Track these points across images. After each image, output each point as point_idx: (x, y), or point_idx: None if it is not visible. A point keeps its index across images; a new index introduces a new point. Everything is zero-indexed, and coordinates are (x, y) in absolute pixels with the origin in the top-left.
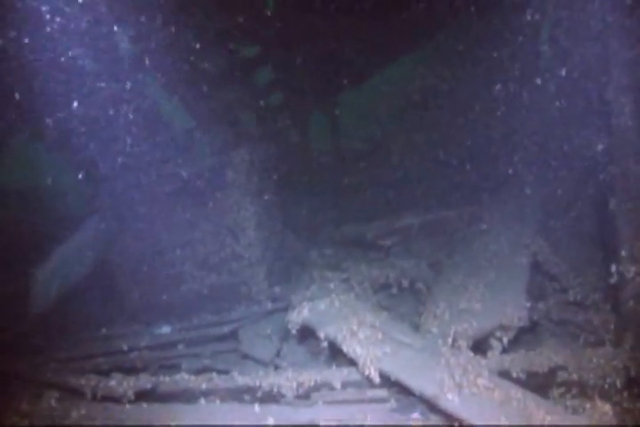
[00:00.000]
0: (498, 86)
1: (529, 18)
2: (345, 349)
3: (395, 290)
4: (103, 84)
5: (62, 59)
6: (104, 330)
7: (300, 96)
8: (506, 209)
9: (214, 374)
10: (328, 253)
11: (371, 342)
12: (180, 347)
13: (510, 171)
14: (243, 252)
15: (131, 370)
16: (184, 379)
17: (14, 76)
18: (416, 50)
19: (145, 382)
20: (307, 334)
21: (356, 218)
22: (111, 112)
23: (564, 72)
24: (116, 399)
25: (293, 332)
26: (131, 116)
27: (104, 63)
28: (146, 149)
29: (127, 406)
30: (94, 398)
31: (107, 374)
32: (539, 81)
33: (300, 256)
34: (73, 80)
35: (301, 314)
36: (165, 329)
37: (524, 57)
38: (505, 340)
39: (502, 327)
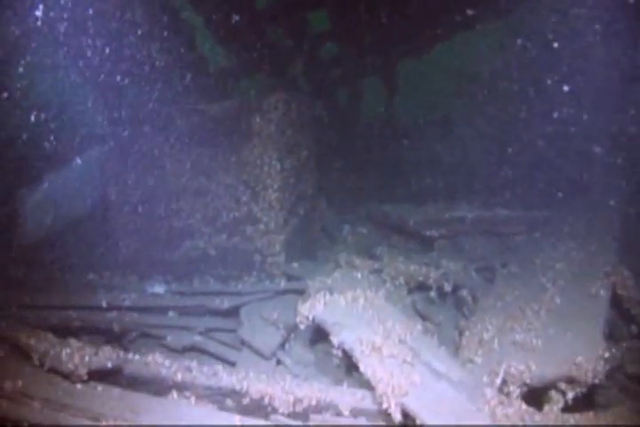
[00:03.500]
0: (578, 77)
1: None
2: (362, 367)
3: (434, 294)
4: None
5: None
6: (90, 276)
7: (357, 52)
8: (579, 222)
9: (194, 364)
10: (362, 233)
11: (396, 364)
12: (171, 314)
13: (590, 177)
14: (260, 214)
15: (105, 333)
16: (157, 362)
17: None
18: (493, 22)
19: (105, 358)
20: (318, 334)
21: (402, 199)
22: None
23: None
24: (65, 375)
25: (302, 327)
26: (159, 42)
27: None
28: (166, 79)
29: (77, 386)
30: (42, 366)
31: (74, 333)
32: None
33: (329, 230)
34: None
35: (315, 308)
36: (159, 288)
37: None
38: (570, 395)
39: (569, 380)
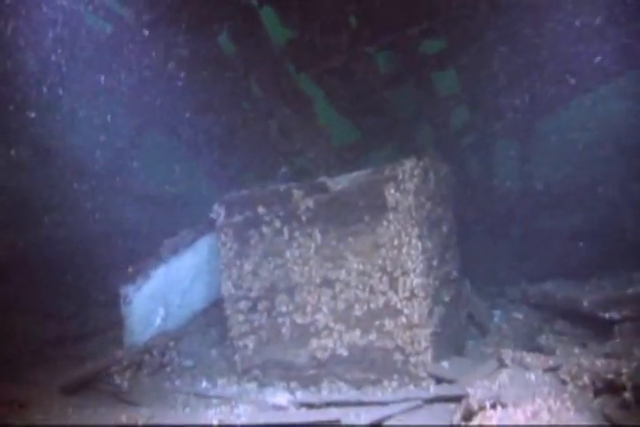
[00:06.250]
0: None
1: None
2: None
3: (628, 394)
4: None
5: None
6: (203, 384)
7: (488, 115)
8: None
9: None
10: (517, 319)
11: None
12: None
13: None
14: (401, 305)
15: None
16: None
17: None
18: None
19: None
20: None
21: (560, 273)
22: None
23: None
24: None
25: None
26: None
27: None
28: (286, 156)
29: None
30: None
31: None
32: None
33: (477, 317)
34: None
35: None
36: (281, 398)
37: None
38: None
39: None
